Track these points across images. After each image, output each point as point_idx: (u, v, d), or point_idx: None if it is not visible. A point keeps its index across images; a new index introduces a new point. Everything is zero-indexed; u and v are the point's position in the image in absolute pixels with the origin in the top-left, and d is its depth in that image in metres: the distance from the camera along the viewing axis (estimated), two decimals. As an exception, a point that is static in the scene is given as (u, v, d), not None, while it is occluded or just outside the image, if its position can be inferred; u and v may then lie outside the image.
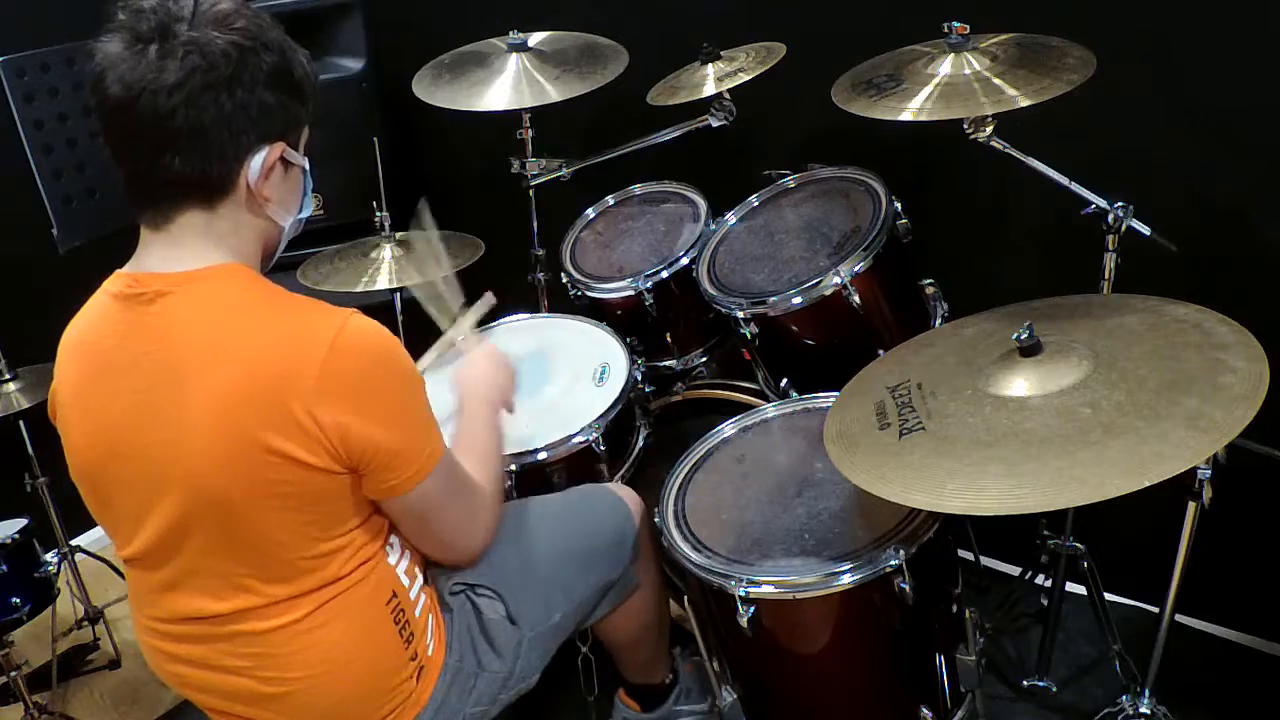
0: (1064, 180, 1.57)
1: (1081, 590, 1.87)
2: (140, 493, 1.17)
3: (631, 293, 1.96)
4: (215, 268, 1.14)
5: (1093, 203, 1.56)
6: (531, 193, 2.27)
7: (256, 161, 1.12)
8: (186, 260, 1.14)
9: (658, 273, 1.95)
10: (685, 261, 1.95)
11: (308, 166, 1.22)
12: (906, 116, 1.51)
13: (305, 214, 1.26)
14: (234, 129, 1.09)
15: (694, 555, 1.46)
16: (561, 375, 1.90)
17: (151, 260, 1.15)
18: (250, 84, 1.09)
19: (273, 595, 1.17)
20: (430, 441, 1.22)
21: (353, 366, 1.11)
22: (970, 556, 2.12)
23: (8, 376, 2.15)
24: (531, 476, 1.74)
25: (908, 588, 1.34)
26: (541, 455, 1.73)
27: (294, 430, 1.09)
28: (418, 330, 2.01)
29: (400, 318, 2.16)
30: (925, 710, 1.45)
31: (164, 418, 1.12)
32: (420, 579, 1.33)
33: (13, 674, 2.05)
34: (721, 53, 1.97)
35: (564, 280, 2.09)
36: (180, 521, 1.15)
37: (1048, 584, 1.90)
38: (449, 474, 1.26)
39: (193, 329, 1.12)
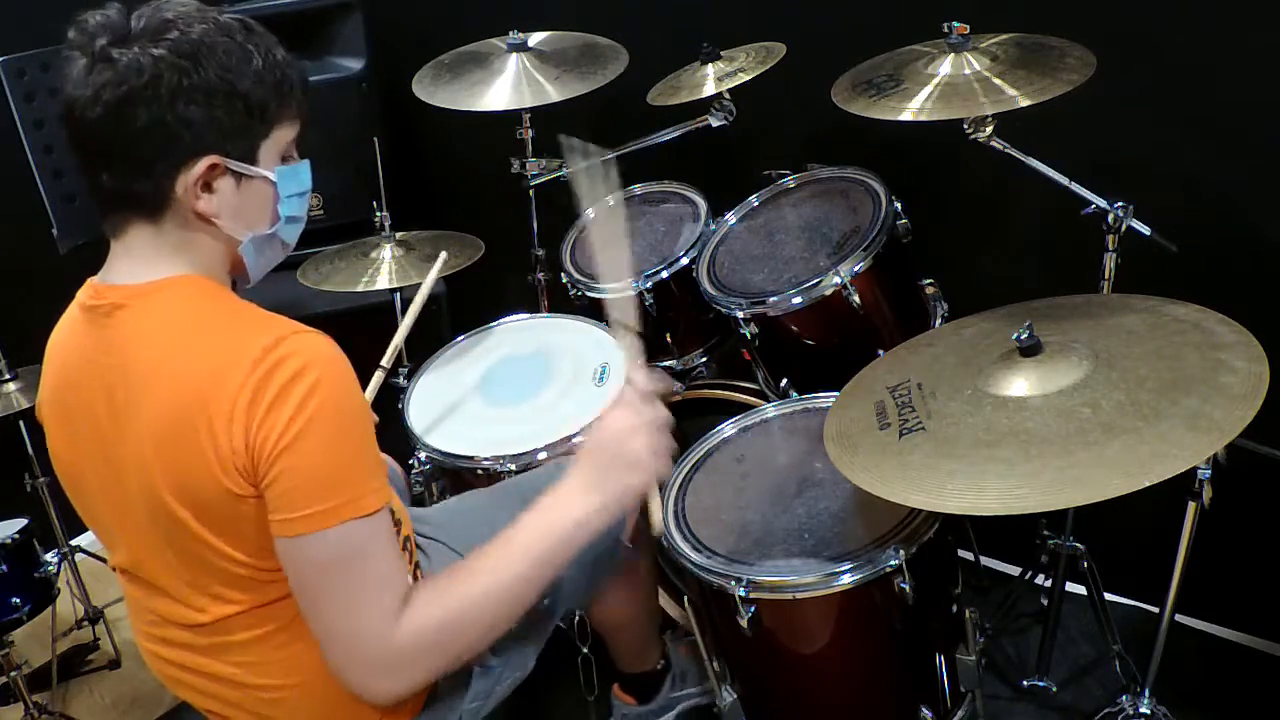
0: (1064, 180, 1.57)
1: (1081, 590, 1.88)
2: (112, 505, 1.17)
3: (631, 293, 1.96)
4: (170, 280, 1.11)
5: (1093, 203, 1.56)
6: (531, 193, 2.27)
7: (188, 177, 1.08)
8: (142, 272, 1.12)
9: (658, 273, 1.95)
10: (685, 261, 1.95)
11: (274, 177, 1.14)
12: (906, 116, 1.51)
13: (278, 228, 1.19)
14: (153, 145, 1.06)
15: (694, 555, 1.46)
16: (561, 375, 1.90)
17: (113, 271, 1.14)
18: (169, 99, 1.04)
19: (247, 602, 1.15)
20: (339, 493, 1.05)
21: (273, 382, 1.04)
22: (970, 556, 2.12)
23: (8, 376, 2.15)
24: (531, 476, 1.74)
25: (908, 588, 1.34)
26: (541, 455, 1.72)
27: (212, 451, 1.05)
28: (417, 331, 2.01)
29: (400, 318, 2.16)
30: (925, 710, 1.45)
31: (121, 432, 1.11)
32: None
33: (13, 674, 2.05)
34: (721, 53, 1.97)
35: (564, 280, 2.09)
36: (147, 535, 1.14)
37: (1048, 584, 1.90)
38: (353, 551, 1.07)
39: (143, 345, 1.10)
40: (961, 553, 1.98)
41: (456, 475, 1.80)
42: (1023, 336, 1.29)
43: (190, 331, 1.10)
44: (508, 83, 2.09)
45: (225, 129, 1.09)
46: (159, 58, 1.04)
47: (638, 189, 2.22)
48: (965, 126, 1.56)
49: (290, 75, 1.14)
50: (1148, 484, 1.07)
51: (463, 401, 1.90)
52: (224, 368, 1.05)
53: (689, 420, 2.01)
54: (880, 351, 1.60)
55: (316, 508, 1.05)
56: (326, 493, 1.05)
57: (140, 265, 1.12)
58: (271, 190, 1.16)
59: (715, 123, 2.00)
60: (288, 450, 1.04)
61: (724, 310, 1.81)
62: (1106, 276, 1.59)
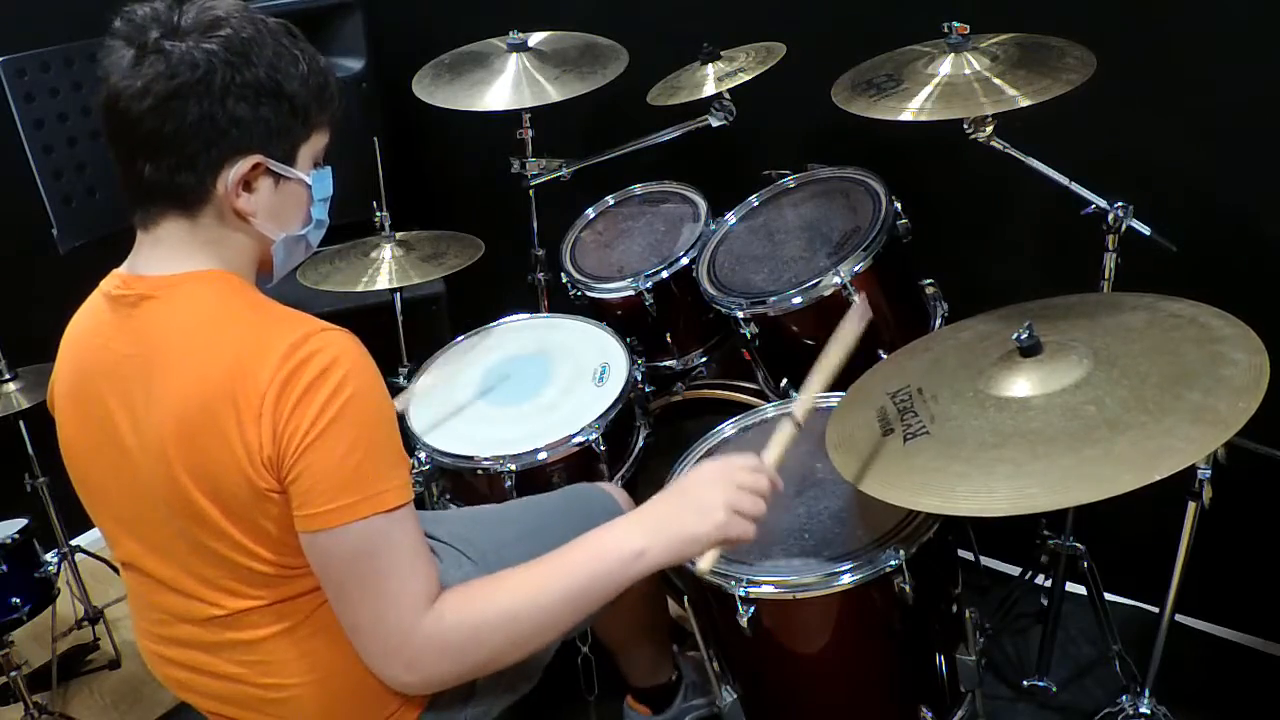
0: (1064, 180, 1.57)
1: (1081, 590, 1.87)
2: (125, 496, 1.17)
3: (631, 293, 1.96)
4: (198, 273, 1.13)
5: (1093, 203, 1.56)
6: (531, 193, 2.27)
7: (230, 174, 1.10)
8: (170, 264, 1.13)
9: (658, 273, 1.95)
10: (685, 261, 1.95)
11: (310, 180, 1.17)
12: (906, 116, 1.51)
13: (308, 230, 1.21)
14: (201, 139, 1.07)
15: (694, 555, 1.46)
16: (561, 375, 1.90)
17: (140, 261, 1.15)
18: (220, 94, 1.06)
19: (265, 598, 1.15)
20: (362, 488, 1.07)
21: (301, 378, 1.05)
22: (970, 556, 2.12)
23: (8, 376, 2.15)
24: (532, 477, 1.74)
25: (908, 588, 1.34)
26: (542, 455, 1.73)
27: (240, 443, 1.06)
28: (417, 331, 2.02)
29: (400, 318, 2.16)
30: (925, 710, 1.45)
31: (140, 423, 1.12)
32: None
33: (13, 674, 2.05)
34: (721, 53, 1.97)
35: (564, 280, 2.09)
36: (161, 528, 1.14)
37: (1048, 584, 1.90)
38: (377, 546, 1.08)
39: (168, 336, 1.11)
40: (961, 553, 1.98)
41: (456, 475, 1.80)
42: (1023, 337, 1.29)
43: (218, 325, 1.11)
44: (508, 83, 2.09)
45: (271, 128, 1.11)
46: (212, 52, 1.06)
47: (638, 189, 2.22)
48: (965, 126, 1.56)
49: (330, 82, 1.16)
50: (1159, 478, 1.07)
51: (462, 401, 1.90)
52: (252, 362, 1.06)
53: (689, 420, 2.01)
54: (880, 352, 1.60)
55: (340, 502, 1.06)
56: (350, 488, 1.06)
57: (171, 258, 1.13)
58: (306, 193, 1.18)
59: (715, 123, 2.00)
60: (312, 446, 1.05)
61: (724, 310, 1.81)
62: (1106, 276, 1.59)
